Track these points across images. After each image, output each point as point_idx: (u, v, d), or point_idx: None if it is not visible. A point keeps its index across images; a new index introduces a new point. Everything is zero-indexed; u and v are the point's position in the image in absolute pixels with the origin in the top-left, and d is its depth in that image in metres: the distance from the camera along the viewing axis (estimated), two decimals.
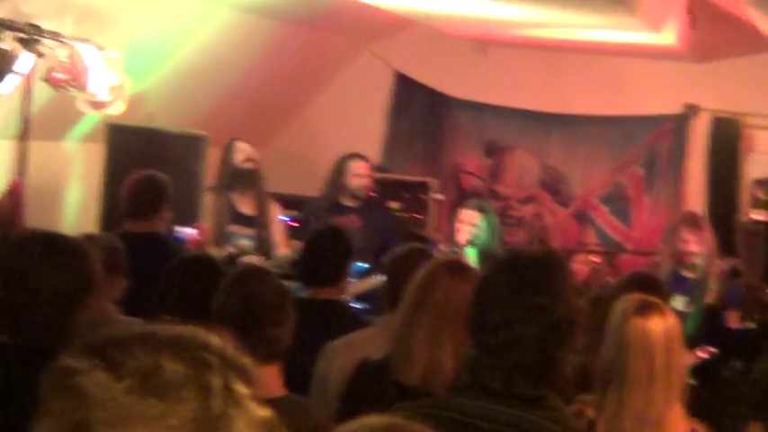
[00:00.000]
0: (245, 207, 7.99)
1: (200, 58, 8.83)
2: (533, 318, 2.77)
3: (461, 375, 2.92)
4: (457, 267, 3.84)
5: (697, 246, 7.35)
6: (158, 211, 6.29)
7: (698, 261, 7.29)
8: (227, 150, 8.10)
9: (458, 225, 7.60)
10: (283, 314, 3.63)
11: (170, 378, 1.43)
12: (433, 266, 3.84)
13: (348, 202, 8.47)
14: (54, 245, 3.30)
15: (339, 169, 8.52)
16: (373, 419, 1.74)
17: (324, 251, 5.35)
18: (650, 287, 4.57)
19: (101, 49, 7.08)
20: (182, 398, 1.42)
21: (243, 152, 7.99)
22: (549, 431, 2.77)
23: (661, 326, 3.84)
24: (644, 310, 3.87)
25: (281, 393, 3.54)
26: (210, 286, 3.97)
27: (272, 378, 3.53)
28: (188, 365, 1.45)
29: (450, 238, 7.70)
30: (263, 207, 8.06)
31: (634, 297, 3.97)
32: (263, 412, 1.52)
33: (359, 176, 8.48)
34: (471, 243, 7.47)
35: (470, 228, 7.51)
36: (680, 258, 7.35)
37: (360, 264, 7.71)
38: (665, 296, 4.67)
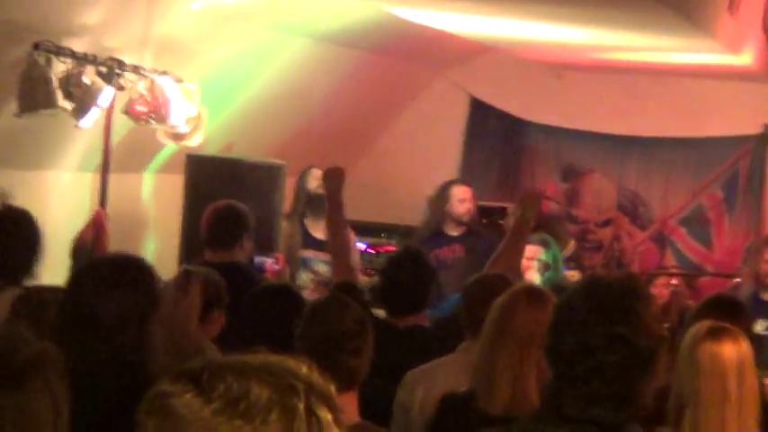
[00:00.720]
0: (319, 232, 7.88)
1: (276, 87, 8.90)
2: (614, 347, 2.72)
3: (542, 403, 2.90)
4: (537, 295, 3.84)
5: None
6: (238, 241, 6.29)
7: None
8: (302, 177, 8.12)
9: (523, 262, 7.53)
10: (362, 343, 3.65)
11: (256, 402, 1.51)
12: (513, 295, 3.84)
13: (452, 231, 8.20)
14: (119, 267, 3.37)
15: (442, 196, 8.24)
16: None
17: (401, 278, 5.34)
18: (732, 310, 4.53)
19: (179, 81, 7.17)
20: (267, 420, 1.50)
21: (317, 179, 7.98)
22: None
23: (734, 350, 3.81)
24: (716, 334, 3.84)
25: (357, 421, 3.57)
26: (289, 315, 4.01)
27: (348, 405, 3.55)
28: (274, 390, 1.53)
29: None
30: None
31: (706, 323, 3.94)
32: None
33: (462, 201, 8.19)
34: (536, 277, 7.40)
35: (533, 263, 7.43)
36: (762, 279, 7.27)
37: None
38: (747, 319, 4.62)
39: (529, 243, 7.61)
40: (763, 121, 10.69)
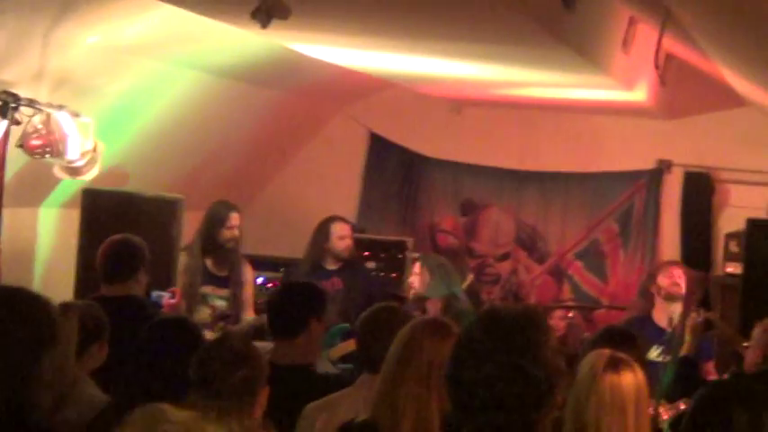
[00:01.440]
0: (217, 269, 8.01)
1: (173, 121, 8.87)
2: (513, 378, 2.73)
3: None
4: (439, 327, 3.85)
5: (682, 279, 7.49)
6: (134, 275, 6.25)
7: (681, 292, 7.41)
8: (217, 211, 8.10)
9: (412, 277, 7.70)
10: (257, 381, 3.65)
11: None
12: (416, 326, 3.85)
13: (330, 266, 8.43)
14: (12, 298, 3.32)
15: (322, 232, 8.47)
16: None
17: (282, 303, 5.33)
18: (625, 341, 4.60)
19: (75, 115, 7.09)
20: None
21: (232, 221, 8.03)
22: None
23: (633, 381, 3.88)
24: (615, 365, 3.90)
25: None
26: (185, 349, 3.99)
27: None
28: None
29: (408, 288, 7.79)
30: (238, 267, 8.08)
31: (604, 352, 3.99)
32: None
33: (341, 238, 8.44)
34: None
35: (423, 277, 7.57)
36: (665, 291, 7.44)
37: (343, 325, 7.72)
38: (640, 350, 4.69)
39: (418, 261, 7.75)
40: (657, 157, 10.89)
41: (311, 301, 5.38)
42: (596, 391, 3.86)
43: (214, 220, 8.05)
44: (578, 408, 3.90)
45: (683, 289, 7.48)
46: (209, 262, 8.03)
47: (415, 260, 7.84)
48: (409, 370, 3.71)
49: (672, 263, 7.94)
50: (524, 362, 2.74)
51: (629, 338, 4.76)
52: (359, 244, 9.85)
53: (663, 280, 7.52)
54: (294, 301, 5.32)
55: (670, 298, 7.43)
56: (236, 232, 8.04)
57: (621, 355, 4.02)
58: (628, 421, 3.83)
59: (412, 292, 7.64)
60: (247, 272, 8.21)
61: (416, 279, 7.63)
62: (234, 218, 8.06)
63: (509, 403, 2.73)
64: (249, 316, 8.00)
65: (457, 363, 2.82)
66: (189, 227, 8.36)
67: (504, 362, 2.74)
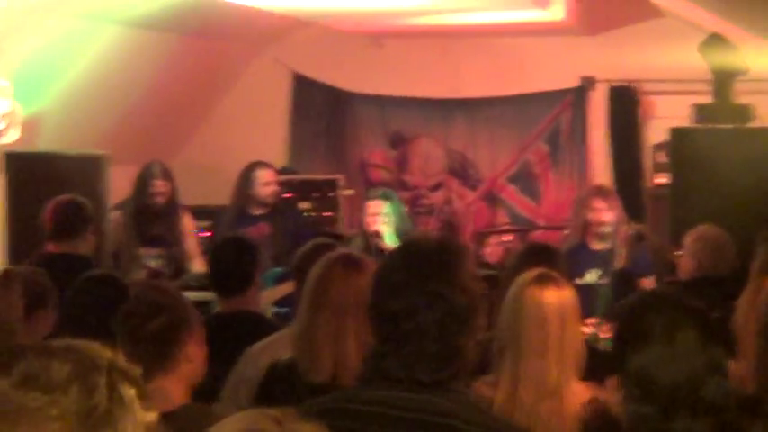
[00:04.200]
0: (150, 228, 8.06)
1: (91, 77, 8.76)
2: (432, 305, 2.73)
3: (366, 367, 2.91)
4: (350, 261, 3.85)
5: (608, 215, 7.42)
6: (81, 233, 6.36)
7: (608, 230, 7.36)
8: (142, 176, 8.08)
9: (367, 219, 7.61)
10: (176, 329, 3.65)
11: (56, 376, 1.57)
12: (328, 263, 3.85)
13: (256, 211, 8.43)
14: None
15: (245, 179, 8.48)
16: (237, 421, 1.77)
17: (227, 261, 5.34)
18: (546, 258, 4.62)
19: None
20: (67, 392, 1.56)
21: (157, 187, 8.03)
22: (454, 412, 2.77)
23: (556, 297, 3.90)
24: (540, 281, 3.92)
25: (185, 402, 3.56)
26: (112, 305, 3.97)
27: (172, 390, 3.55)
28: (75, 366, 1.58)
29: (363, 231, 7.71)
30: (172, 224, 8.07)
31: (533, 271, 4.02)
32: (150, 416, 1.62)
33: (265, 185, 8.45)
34: (386, 231, 7.48)
35: (380, 217, 7.53)
36: (592, 228, 7.42)
37: (276, 269, 7.73)
38: (562, 265, 4.70)
39: (369, 199, 7.69)
40: (581, 74, 10.93)
41: (256, 256, 5.41)
42: (518, 306, 3.90)
43: (137, 185, 8.10)
44: (503, 324, 3.94)
45: (609, 226, 7.39)
46: (142, 224, 8.03)
47: (368, 199, 7.76)
48: (323, 306, 3.73)
49: (594, 192, 7.76)
50: (444, 288, 2.75)
51: (549, 254, 4.79)
52: (290, 185, 9.86)
53: (589, 216, 7.45)
54: (241, 260, 5.34)
55: (598, 236, 7.40)
56: (160, 189, 8.04)
57: (551, 272, 4.05)
58: (549, 337, 3.85)
59: (372, 230, 7.54)
60: (187, 223, 8.23)
61: (373, 219, 7.57)
62: (156, 184, 8.06)
63: (431, 330, 2.74)
64: (198, 267, 8.01)
65: (378, 294, 2.84)
66: (116, 183, 8.31)
67: (424, 290, 2.75)
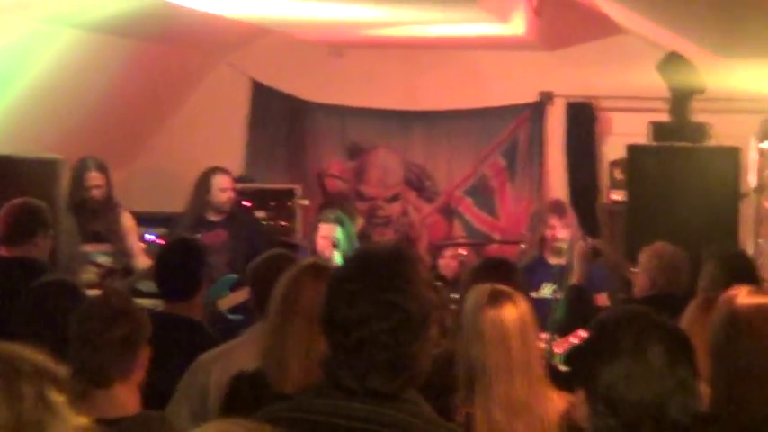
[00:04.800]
0: (92, 225, 8.02)
1: (49, 80, 8.70)
2: (386, 314, 2.73)
3: (322, 376, 2.90)
4: (319, 270, 3.83)
5: (563, 231, 7.44)
6: (33, 237, 6.29)
7: (564, 245, 7.38)
8: (77, 170, 8.07)
9: (319, 240, 7.61)
10: (137, 338, 3.62)
11: None
12: (296, 272, 3.82)
13: (213, 217, 8.42)
14: None
15: (202, 185, 8.47)
16: (210, 427, 1.76)
17: (173, 265, 5.30)
18: (503, 272, 4.62)
19: None
20: None
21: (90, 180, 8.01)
22: (407, 424, 2.77)
23: (515, 314, 3.90)
24: (496, 299, 3.92)
25: (138, 411, 3.53)
26: (67, 311, 3.95)
27: (128, 397, 3.52)
28: (1, 375, 1.56)
29: (314, 251, 7.68)
30: (112, 219, 8.04)
31: (485, 287, 4.01)
32: (80, 421, 1.59)
33: (222, 191, 8.43)
34: (335, 255, 7.46)
35: (330, 241, 7.53)
36: (547, 245, 7.44)
37: (231, 276, 7.71)
38: (519, 279, 4.70)
39: (322, 222, 7.68)
40: (539, 89, 10.97)
41: (203, 260, 5.37)
42: (478, 327, 3.89)
43: (73, 180, 8.07)
44: (465, 344, 3.94)
45: (564, 242, 7.41)
46: (82, 220, 7.98)
47: (321, 221, 7.74)
48: (293, 316, 3.70)
49: (550, 208, 7.75)
50: (396, 297, 2.75)
51: (506, 268, 4.78)
52: (247, 194, 9.84)
53: (545, 232, 7.47)
54: (188, 264, 5.28)
55: (555, 252, 7.41)
56: (96, 183, 8.02)
57: (503, 287, 4.05)
58: (513, 354, 3.86)
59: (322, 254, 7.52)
60: (126, 220, 8.20)
61: (324, 243, 7.55)
62: (92, 177, 8.04)
63: (383, 339, 2.74)
64: (142, 263, 7.98)
65: (330, 303, 2.82)
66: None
67: (376, 299, 2.75)
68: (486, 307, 3.90)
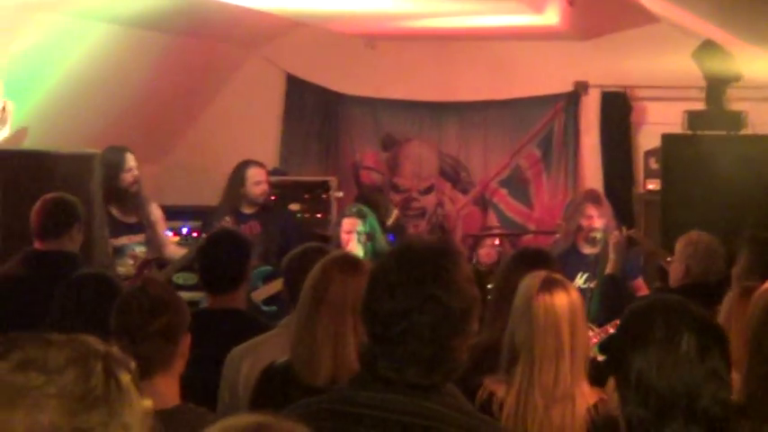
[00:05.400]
0: (126, 216, 8.03)
1: (84, 75, 8.74)
2: (426, 307, 2.74)
3: (360, 367, 2.91)
4: (349, 262, 3.85)
5: (600, 221, 7.42)
6: (67, 231, 6.27)
7: (600, 235, 7.35)
8: (112, 158, 8.07)
9: (342, 235, 7.56)
10: (177, 328, 3.63)
11: (53, 360, 1.62)
12: (325, 264, 3.84)
13: (247, 210, 8.45)
14: None
15: (237, 178, 8.50)
16: (242, 419, 1.77)
17: (219, 257, 5.29)
18: (542, 262, 4.61)
19: None
20: (63, 374, 1.61)
21: (129, 162, 8.02)
22: (445, 416, 2.77)
23: (566, 301, 3.92)
24: (549, 286, 3.94)
25: (177, 403, 3.54)
26: (104, 302, 3.97)
27: (168, 389, 3.53)
28: (72, 352, 1.63)
29: (339, 246, 7.64)
30: (146, 209, 8.07)
31: (539, 274, 4.04)
32: (146, 403, 1.65)
33: (257, 183, 8.46)
34: (358, 249, 7.42)
35: (353, 236, 7.49)
36: (583, 233, 7.41)
37: (264, 268, 7.72)
38: (556, 268, 4.68)
39: (345, 216, 7.66)
40: (573, 79, 10.93)
41: (248, 253, 5.37)
42: (530, 312, 3.91)
43: (111, 167, 7.97)
44: (513, 331, 3.96)
45: (600, 232, 7.38)
46: (115, 211, 7.99)
47: (344, 216, 7.71)
48: (322, 308, 3.71)
49: (587, 198, 7.74)
50: (437, 291, 2.76)
51: (544, 258, 4.78)
52: (282, 187, 9.86)
53: (582, 221, 7.44)
54: (234, 257, 5.27)
55: (590, 242, 7.38)
56: (136, 173, 8.02)
57: (556, 275, 4.07)
58: (563, 341, 3.89)
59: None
60: (155, 210, 8.22)
61: (347, 237, 7.51)
62: (130, 159, 8.03)
63: (423, 333, 2.75)
64: (172, 253, 8.04)
65: (372, 295, 2.84)
66: None
67: (418, 292, 2.76)
68: (538, 293, 3.93)
